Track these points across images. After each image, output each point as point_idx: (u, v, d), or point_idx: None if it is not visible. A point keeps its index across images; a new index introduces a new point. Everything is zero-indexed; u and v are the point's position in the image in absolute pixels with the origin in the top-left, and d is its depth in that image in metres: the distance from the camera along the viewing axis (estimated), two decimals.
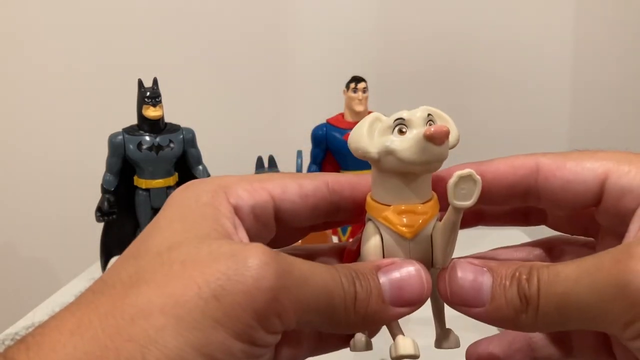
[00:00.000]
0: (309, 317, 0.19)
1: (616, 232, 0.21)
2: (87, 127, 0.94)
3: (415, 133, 0.21)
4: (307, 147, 0.68)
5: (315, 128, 0.68)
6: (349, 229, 0.67)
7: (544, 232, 0.26)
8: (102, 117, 0.87)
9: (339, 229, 0.67)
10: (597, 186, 0.21)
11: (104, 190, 0.64)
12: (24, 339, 0.17)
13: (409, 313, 0.21)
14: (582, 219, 0.24)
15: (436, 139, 0.21)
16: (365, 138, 0.22)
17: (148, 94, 0.62)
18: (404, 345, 0.21)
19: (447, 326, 0.24)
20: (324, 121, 0.68)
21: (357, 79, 0.66)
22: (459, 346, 0.23)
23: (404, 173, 0.22)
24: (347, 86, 0.66)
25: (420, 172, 0.22)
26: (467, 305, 0.20)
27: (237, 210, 0.21)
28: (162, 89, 0.63)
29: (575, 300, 0.18)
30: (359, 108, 0.65)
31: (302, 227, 0.24)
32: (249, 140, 0.93)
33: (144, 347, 0.16)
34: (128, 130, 0.63)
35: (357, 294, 0.20)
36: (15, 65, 0.95)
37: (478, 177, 0.20)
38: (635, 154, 0.21)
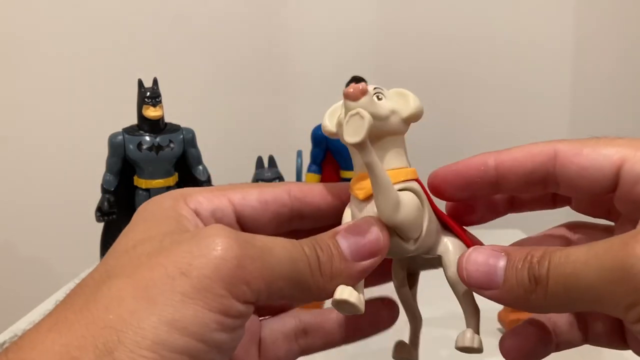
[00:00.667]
0: (277, 285, 0.20)
1: (633, 219, 0.21)
2: (87, 127, 0.94)
3: None
4: (307, 147, 0.68)
5: (315, 128, 0.68)
6: None
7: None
8: (102, 117, 0.87)
9: None
10: (612, 173, 0.21)
11: (104, 190, 0.64)
12: (6, 349, 0.18)
13: (375, 264, 0.22)
14: (604, 203, 0.24)
15: (347, 94, 0.23)
16: (327, 119, 0.25)
17: (148, 94, 0.62)
18: (342, 291, 0.21)
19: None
20: None
21: (357, 79, 0.66)
22: (474, 345, 0.23)
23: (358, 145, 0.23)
24: (347, 86, 0.66)
25: (346, 139, 0.23)
26: (482, 287, 0.21)
27: (197, 215, 0.22)
28: (162, 89, 0.63)
29: (582, 282, 0.19)
30: None
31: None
32: (249, 140, 0.93)
33: (119, 331, 0.17)
34: (128, 130, 0.63)
35: (319, 257, 0.21)
36: (14, 65, 0.95)
37: (366, 114, 0.22)
38: None
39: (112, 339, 0.17)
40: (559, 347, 0.25)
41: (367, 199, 0.23)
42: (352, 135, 0.21)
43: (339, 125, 0.24)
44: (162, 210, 0.22)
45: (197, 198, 0.22)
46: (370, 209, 0.23)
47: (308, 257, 0.21)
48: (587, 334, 0.25)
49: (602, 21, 0.95)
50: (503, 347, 0.25)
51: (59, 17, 0.93)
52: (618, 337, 0.24)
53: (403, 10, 0.94)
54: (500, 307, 0.51)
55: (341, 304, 0.21)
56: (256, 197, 0.24)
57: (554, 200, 0.26)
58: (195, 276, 0.18)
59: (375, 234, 0.22)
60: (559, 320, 0.25)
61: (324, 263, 0.21)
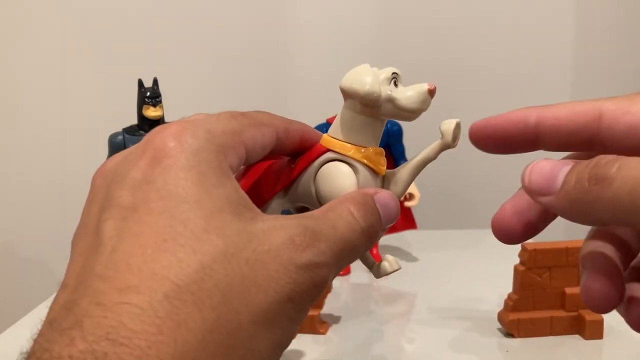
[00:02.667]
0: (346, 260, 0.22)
1: None
2: (87, 127, 0.94)
3: (418, 86, 0.26)
4: None
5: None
6: None
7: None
8: (102, 117, 0.87)
9: None
10: None
11: None
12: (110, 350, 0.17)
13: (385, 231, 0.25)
14: None
15: (434, 93, 0.26)
16: (378, 84, 0.26)
17: (148, 94, 0.62)
18: (394, 262, 0.26)
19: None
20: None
21: None
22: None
23: (383, 120, 0.27)
24: None
25: (410, 119, 0.26)
26: (541, 193, 0.20)
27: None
28: (162, 89, 0.63)
29: None
30: None
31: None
32: None
33: (242, 356, 0.18)
34: (128, 130, 0.63)
35: (373, 227, 0.23)
36: (14, 65, 0.95)
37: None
38: None
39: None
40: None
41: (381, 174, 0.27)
42: (456, 141, 0.26)
43: (389, 100, 0.26)
44: (212, 171, 0.21)
45: (232, 154, 0.23)
46: (379, 186, 0.27)
47: (364, 232, 0.23)
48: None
49: (603, 17, 0.95)
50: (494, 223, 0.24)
51: (58, 17, 0.93)
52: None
53: (405, 10, 0.94)
54: (500, 307, 0.51)
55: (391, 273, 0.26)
56: (260, 143, 0.25)
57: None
58: (299, 302, 0.20)
59: (398, 206, 0.25)
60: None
61: (373, 225, 0.23)
